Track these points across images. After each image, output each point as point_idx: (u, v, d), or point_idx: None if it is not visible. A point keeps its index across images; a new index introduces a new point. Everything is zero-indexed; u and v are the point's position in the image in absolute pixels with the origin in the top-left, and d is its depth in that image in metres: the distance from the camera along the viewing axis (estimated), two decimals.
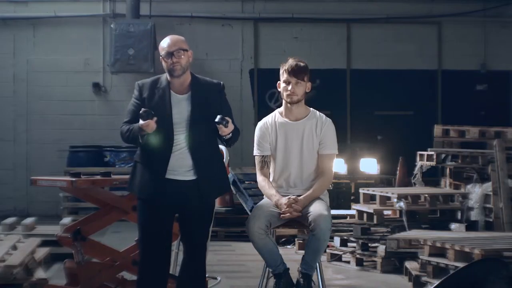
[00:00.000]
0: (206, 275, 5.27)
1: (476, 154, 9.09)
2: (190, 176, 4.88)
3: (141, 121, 4.74)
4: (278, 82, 5.38)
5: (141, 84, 5.01)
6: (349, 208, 10.16)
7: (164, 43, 4.91)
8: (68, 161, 12.65)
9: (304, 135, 5.33)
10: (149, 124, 4.72)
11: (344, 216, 9.31)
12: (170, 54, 4.85)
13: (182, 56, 4.86)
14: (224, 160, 5.97)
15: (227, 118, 4.79)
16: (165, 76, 4.99)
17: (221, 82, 5.07)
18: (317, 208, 5.12)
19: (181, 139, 4.87)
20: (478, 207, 8.70)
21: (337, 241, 8.52)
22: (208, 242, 5.63)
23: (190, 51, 4.94)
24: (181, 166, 4.87)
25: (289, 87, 5.28)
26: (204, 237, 5.04)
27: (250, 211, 5.38)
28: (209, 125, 4.82)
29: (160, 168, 4.85)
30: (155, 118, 4.73)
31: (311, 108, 5.43)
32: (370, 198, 9.01)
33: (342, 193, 11.67)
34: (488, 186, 8.72)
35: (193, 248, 4.97)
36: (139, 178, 4.93)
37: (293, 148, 5.33)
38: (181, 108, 4.89)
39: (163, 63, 4.92)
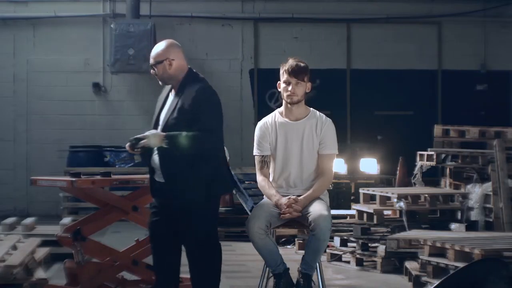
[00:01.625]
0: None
1: (476, 154, 9.09)
2: (160, 178, 5.00)
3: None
4: (278, 82, 5.38)
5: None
6: (349, 208, 10.16)
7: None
8: (68, 161, 12.64)
9: (304, 135, 5.33)
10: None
11: (344, 216, 9.30)
12: (151, 67, 5.08)
13: (161, 69, 5.00)
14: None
15: (132, 138, 4.89)
16: None
17: (203, 88, 4.98)
18: (317, 208, 5.12)
19: None
20: (478, 207, 8.70)
21: (337, 241, 8.52)
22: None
23: (167, 60, 4.99)
24: (157, 167, 5.01)
25: (289, 88, 5.28)
26: (192, 238, 4.98)
27: (250, 211, 5.38)
28: (186, 129, 4.84)
29: (148, 168, 5.09)
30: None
31: (311, 108, 5.43)
32: (370, 198, 9.01)
33: (342, 193, 11.66)
34: (488, 186, 8.72)
35: (190, 255, 5.02)
36: None
37: (293, 148, 5.33)
38: (167, 110, 5.04)
39: None
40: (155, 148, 4.92)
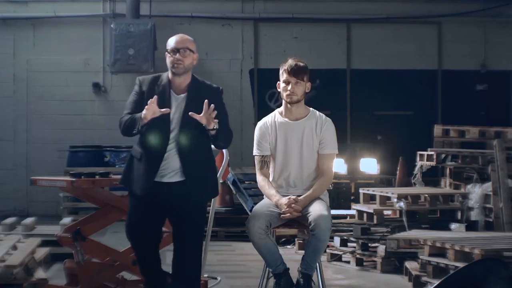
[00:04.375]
0: (206, 275, 5.25)
1: (476, 154, 9.09)
2: (177, 177, 4.88)
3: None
4: (278, 82, 5.38)
5: (141, 79, 5.05)
6: (349, 208, 10.16)
7: (173, 39, 4.98)
8: (68, 161, 12.63)
9: (304, 135, 5.33)
10: (152, 108, 4.71)
11: (344, 216, 9.31)
12: (176, 50, 4.90)
13: (187, 56, 4.91)
14: (224, 162, 5.98)
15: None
16: (166, 75, 5.00)
17: (220, 87, 5.06)
18: (317, 208, 5.12)
19: (172, 139, 4.88)
20: (478, 207, 8.71)
21: (337, 241, 8.52)
22: (207, 243, 5.63)
23: (196, 54, 4.99)
24: (168, 167, 4.88)
25: (289, 87, 5.29)
26: (195, 238, 4.96)
27: (250, 211, 5.38)
28: (202, 128, 4.79)
29: (153, 167, 4.87)
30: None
31: (311, 108, 5.43)
32: (370, 198, 9.01)
33: (342, 193, 11.65)
34: (488, 186, 8.72)
35: (184, 249, 4.93)
36: (134, 174, 4.95)
37: (293, 148, 5.33)
38: (176, 108, 4.90)
39: (167, 58, 4.95)
40: (172, 147, 4.86)
